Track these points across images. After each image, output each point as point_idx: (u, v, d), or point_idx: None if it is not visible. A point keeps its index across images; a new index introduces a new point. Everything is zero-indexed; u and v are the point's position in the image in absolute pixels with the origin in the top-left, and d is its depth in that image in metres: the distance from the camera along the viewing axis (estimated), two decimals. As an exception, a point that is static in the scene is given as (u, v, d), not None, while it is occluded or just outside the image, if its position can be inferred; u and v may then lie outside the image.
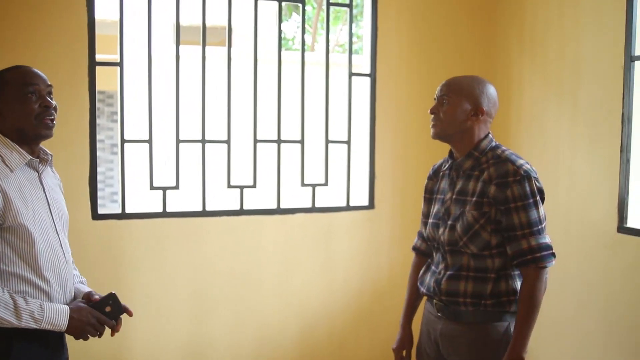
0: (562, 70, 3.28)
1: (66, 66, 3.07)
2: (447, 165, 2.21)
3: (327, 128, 3.63)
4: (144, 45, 3.32)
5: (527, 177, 2.01)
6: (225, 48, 3.42)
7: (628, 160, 2.91)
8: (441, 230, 2.14)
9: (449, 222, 2.11)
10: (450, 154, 2.21)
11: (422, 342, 2.32)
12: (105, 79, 3.71)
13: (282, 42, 3.50)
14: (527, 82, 3.54)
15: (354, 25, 3.76)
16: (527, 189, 2.01)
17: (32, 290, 1.84)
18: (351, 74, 3.65)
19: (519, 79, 3.60)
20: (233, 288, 3.45)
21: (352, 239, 3.68)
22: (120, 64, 3.20)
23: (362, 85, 3.71)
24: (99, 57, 3.14)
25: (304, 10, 3.58)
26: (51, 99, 1.94)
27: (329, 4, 3.61)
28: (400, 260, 3.71)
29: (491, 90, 2.11)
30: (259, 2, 3.43)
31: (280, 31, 3.49)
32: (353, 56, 3.72)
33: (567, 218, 3.20)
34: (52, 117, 1.93)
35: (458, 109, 2.07)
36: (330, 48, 3.74)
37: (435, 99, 2.13)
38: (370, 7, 3.65)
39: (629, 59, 2.89)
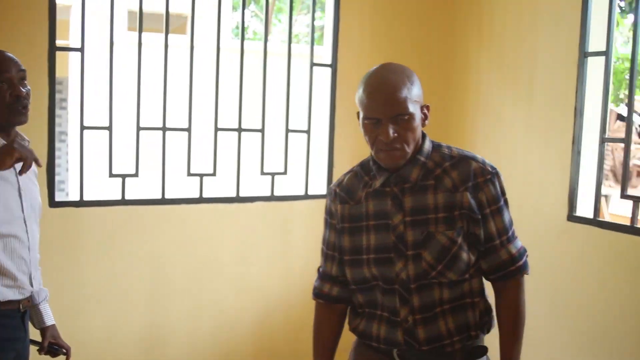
0: (519, 64, 3.38)
1: (24, 51, 3.00)
2: (377, 181, 1.74)
3: (287, 117, 3.66)
4: (98, 30, 3.27)
5: (496, 173, 1.74)
6: (186, 36, 3.41)
7: (579, 152, 3.03)
8: (398, 265, 1.70)
9: (410, 253, 1.69)
10: (375, 164, 1.76)
11: None
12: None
13: (235, 31, 3.50)
14: (484, 75, 3.64)
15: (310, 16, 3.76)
16: (498, 187, 1.74)
17: None
18: (312, 64, 3.68)
19: (477, 71, 3.69)
20: (192, 275, 3.45)
21: (310, 227, 3.71)
22: (81, 50, 3.15)
23: (323, 76, 3.74)
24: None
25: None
26: (24, 85, 1.91)
27: (291, -5, 3.63)
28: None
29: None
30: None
31: (243, 21, 3.49)
32: (300, 45, 3.74)
33: (521, 208, 3.30)
34: (25, 105, 1.91)
35: (416, 119, 1.68)
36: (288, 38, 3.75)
37: (376, 122, 1.64)
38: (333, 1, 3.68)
39: (583, 55, 3.01)
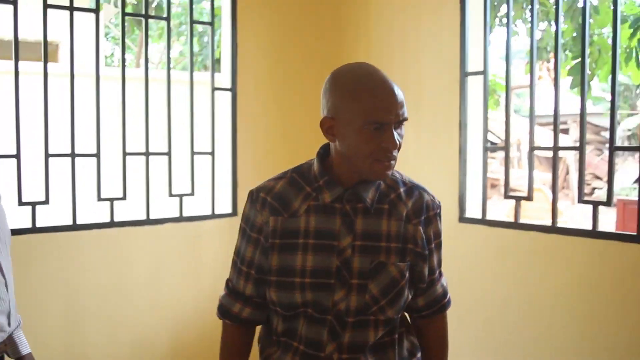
0: (406, 86, 3.73)
1: None
2: (327, 194, 1.54)
3: (192, 140, 3.78)
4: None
5: (440, 207, 1.66)
6: (59, 64, 3.45)
7: (465, 161, 3.43)
8: (339, 294, 1.51)
9: (355, 282, 1.51)
10: (324, 175, 1.56)
11: None
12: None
13: (104, 58, 3.58)
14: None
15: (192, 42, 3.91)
16: (440, 221, 1.66)
17: None
18: (214, 89, 3.85)
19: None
20: (106, 298, 3.48)
21: (217, 245, 3.86)
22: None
23: (224, 100, 3.92)
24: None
25: (123, 19, 3.70)
26: None
27: (192, 22, 3.77)
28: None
29: None
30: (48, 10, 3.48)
31: (147, 50, 3.57)
32: (200, 72, 3.90)
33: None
34: None
35: None
36: (151, 65, 3.88)
37: (378, 127, 1.45)
38: (230, 27, 3.87)
39: (464, 74, 3.42)
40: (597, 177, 14.79)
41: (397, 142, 1.47)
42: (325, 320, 1.52)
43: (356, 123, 1.45)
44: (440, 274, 1.70)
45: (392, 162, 1.49)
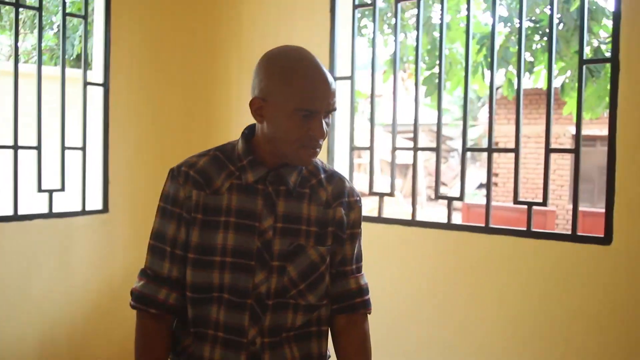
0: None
1: None
2: (250, 174, 1.54)
3: (63, 135, 3.72)
4: None
5: (360, 198, 1.67)
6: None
7: (333, 160, 3.66)
8: (259, 276, 1.50)
9: (274, 264, 1.51)
10: (248, 155, 1.56)
11: None
12: None
13: None
14: (246, 95, 4.10)
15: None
16: (360, 214, 1.66)
17: None
18: (86, 84, 3.81)
19: (238, 92, 4.15)
20: (-31, 298, 3.34)
21: (88, 242, 3.82)
22: None
23: (96, 95, 3.89)
24: None
25: (41, 18, 3.62)
26: None
27: (65, 14, 3.72)
28: (134, 260, 3.97)
29: None
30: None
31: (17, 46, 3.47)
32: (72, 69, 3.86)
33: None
34: None
35: None
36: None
37: (309, 114, 1.46)
38: (103, 21, 3.85)
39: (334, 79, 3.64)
40: (443, 183, 15.83)
41: (325, 132, 1.48)
42: (245, 304, 1.50)
43: (287, 108, 1.45)
44: (358, 270, 1.65)
45: (318, 149, 1.50)
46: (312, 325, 1.59)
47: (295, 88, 1.45)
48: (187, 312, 1.55)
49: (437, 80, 6.10)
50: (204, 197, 1.52)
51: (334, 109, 1.49)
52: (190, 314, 1.54)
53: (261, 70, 1.52)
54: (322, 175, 1.62)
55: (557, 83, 6.32)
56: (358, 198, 1.65)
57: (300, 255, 1.53)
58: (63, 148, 3.72)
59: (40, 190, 3.62)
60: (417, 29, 3.47)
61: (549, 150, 2.97)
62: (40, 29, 3.66)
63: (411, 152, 3.51)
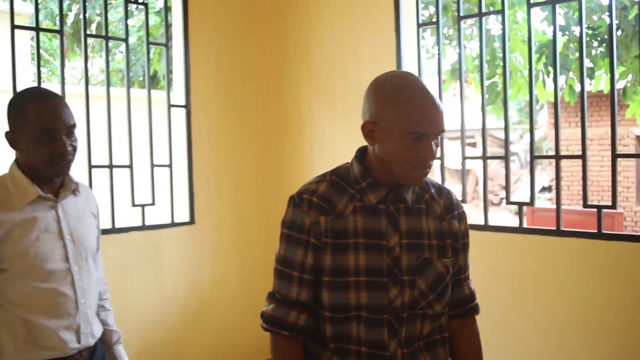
0: (348, 103, 4.15)
1: None
2: (371, 196, 1.61)
3: (151, 153, 4.03)
4: None
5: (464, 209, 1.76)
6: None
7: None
8: (393, 292, 1.57)
9: (405, 278, 1.58)
10: (366, 177, 1.62)
11: None
12: None
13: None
14: (316, 114, 4.35)
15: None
16: (467, 224, 1.75)
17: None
18: (170, 106, 4.12)
19: (309, 112, 4.39)
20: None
21: (177, 251, 4.12)
22: None
23: (179, 116, 4.19)
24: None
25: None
26: (72, 139, 1.89)
27: (148, 44, 4.04)
28: (219, 268, 4.25)
29: None
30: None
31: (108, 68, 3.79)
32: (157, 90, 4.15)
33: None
34: (68, 162, 1.89)
35: None
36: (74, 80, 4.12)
37: (418, 137, 1.52)
38: (182, 49, 4.15)
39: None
40: (504, 188, 15.70)
41: (434, 153, 1.53)
42: (383, 319, 1.57)
43: (396, 131, 1.52)
44: (468, 278, 1.77)
45: (428, 169, 1.56)
46: (437, 332, 1.66)
47: (404, 113, 1.51)
48: (322, 329, 1.61)
49: (497, 89, 6.33)
50: (331, 221, 1.58)
51: (442, 130, 1.54)
52: (330, 331, 1.60)
53: (371, 95, 1.59)
54: (432, 190, 1.70)
55: (618, 86, 6.37)
56: (463, 210, 1.74)
57: (428, 268, 1.60)
58: (152, 165, 4.02)
59: (133, 205, 3.93)
60: (480, 43, 3.63)
61: (615, 156, 3.08)
62: (128, 57, 3.99)
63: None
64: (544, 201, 14.67)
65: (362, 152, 1.69)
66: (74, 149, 1.92)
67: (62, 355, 1.89)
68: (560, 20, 6.52)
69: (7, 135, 1.88)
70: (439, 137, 1.57)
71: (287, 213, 1.64)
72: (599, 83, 6.84)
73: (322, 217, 1.58)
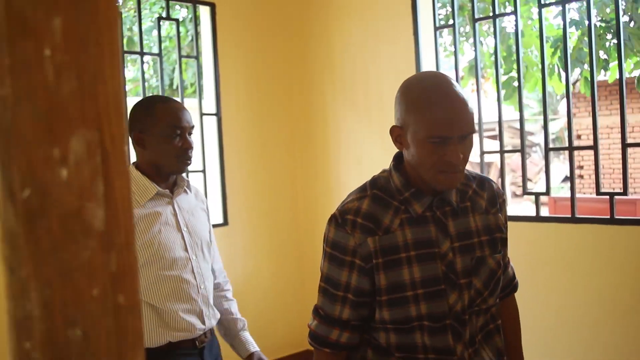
0: (371, 106, 4.36)
1: None
2: (416, 205, 1.56)
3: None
4: None
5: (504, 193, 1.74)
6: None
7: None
8: (452, 297, 1.54)
9: (462, 282, 1.55)
10: (408, 187, 1.58)
11: None
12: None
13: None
14: (341, 117, 4.57)
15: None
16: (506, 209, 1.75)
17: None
18: (202, 114, 4.36)
19: (334, 115, 4.61)
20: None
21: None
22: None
23: (210, 123, 4.44)
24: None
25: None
26: (191, 138, 2.03)
27: (180, 57, 4.29)
28: (251, 265, 4.49)
29: None
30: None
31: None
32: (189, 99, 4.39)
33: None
34: (190, 157, 2.02)
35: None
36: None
37: (442, 141, 1.46)
38: (212, 60, 4.39)
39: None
40: (528, 179, 15.75)
41: (460, 156, 1.46)
42: (446, 325, 1.54)
43: (419, 135, 1.46)
44: (508, 258, 1.79)
45: (457, 173, 1.49)
46: (490, 322, 1.64)
47: (424, 116, 1.46)
48: (385, 339, 1.59)
49: (514, 84, 6.48)
50: (379, 240, 1.53)
51: (470, 132, 1.48)
52: (394, 341, 1.58)
53: (398, 100, 1.55)
54: (474, 185, 1.66)
55: (633, 75, 6.49)
56: (504, 196, 1.72)
57: (482, 266, 1.58)
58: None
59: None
60: (495, 41, 3.82)
61: (625, 145, 3.26)
62: (162, 70, 4.24)
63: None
64: (567, 191, 14.72)
65: (398, 159, 1.65)
66: (192, 146, 2.06)
67: (191, 337, 2.04)
68: (574, 15, 6.67)
69: (135, 135, 1.99)
70: (468, 138, 1.50)
71: (329, 232, 1.59)
72: (615, 74, 6.98)
73: (370, 238, 1.53)
